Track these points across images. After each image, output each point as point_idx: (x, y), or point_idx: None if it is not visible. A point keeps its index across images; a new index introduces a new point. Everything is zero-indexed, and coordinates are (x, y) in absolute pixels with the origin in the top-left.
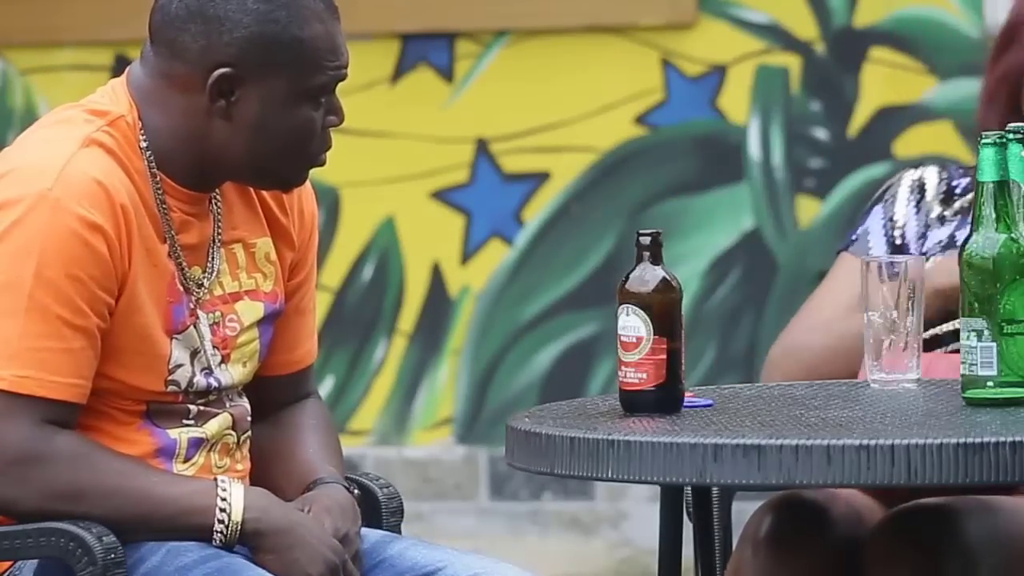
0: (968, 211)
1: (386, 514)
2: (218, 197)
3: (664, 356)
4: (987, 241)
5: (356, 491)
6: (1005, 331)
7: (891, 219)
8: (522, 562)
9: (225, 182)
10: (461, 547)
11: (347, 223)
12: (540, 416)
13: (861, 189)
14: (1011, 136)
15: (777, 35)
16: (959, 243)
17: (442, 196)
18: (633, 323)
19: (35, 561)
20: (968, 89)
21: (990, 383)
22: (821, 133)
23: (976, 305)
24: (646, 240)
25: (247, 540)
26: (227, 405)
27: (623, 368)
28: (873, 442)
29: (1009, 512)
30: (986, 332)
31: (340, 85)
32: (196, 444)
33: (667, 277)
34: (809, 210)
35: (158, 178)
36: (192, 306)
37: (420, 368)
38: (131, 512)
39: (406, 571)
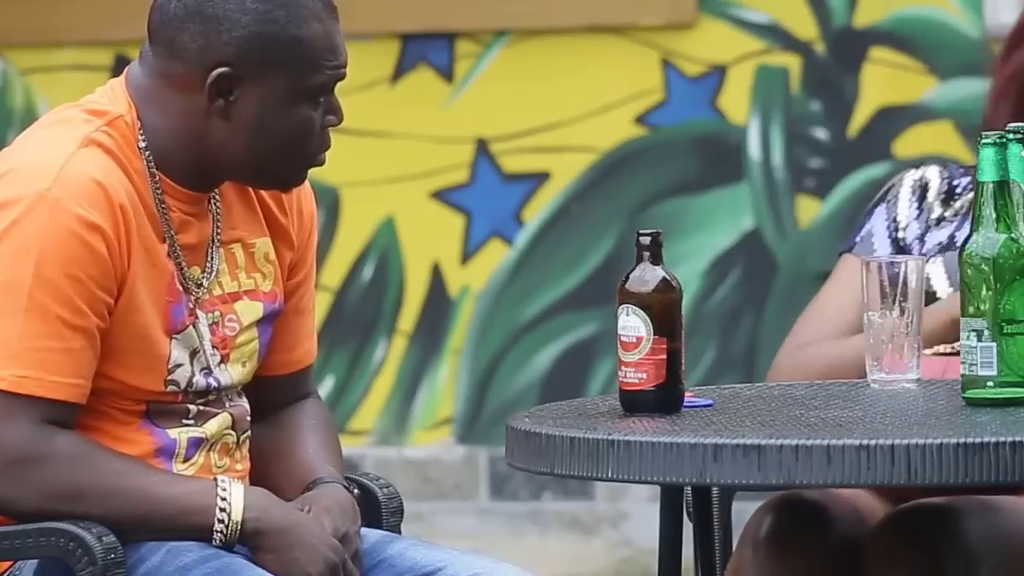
0: (967, 211)
1: (386, 514)
2: (217, 197)
3: (664, 356)
4: (987, 241)
5: (356, 491)
6: (1005, 331)
7: (895, 220)
8: (522, 562)
9: (224, 182)
10: (461, 547)
11: (347, 223)
12: (540, 416)
13: (861, 189)
14: (1011, 136)
15: (777, 35)
16: (958, 244)
17: (442, 196)
18: (633, 323)
19: (35, 561)
20: (968, 89)
21: (990, 383)
22: (821, 133)
23: (976, 305)
24: (646, 240)
25: (247, 540)
26: (227, 405)
27: (623, 368)
28: (873, 442)
29: (1009, 512)
30: (986, 332)
31: (339, 85)
32: (196, 444)
33: (667, 277)
34: (809, 210)
35: (157, 178)
36: (191, 306)
37: (420, 368)
38: (131, 512)
39: (406, 571)
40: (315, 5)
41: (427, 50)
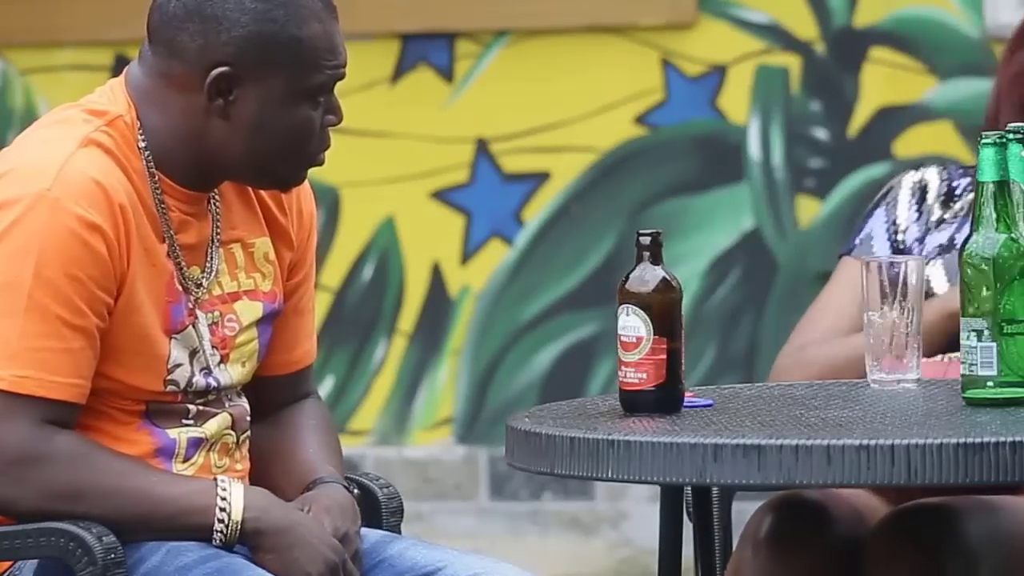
0: (967, 213)
1: (386, 514)
2: (217, 197)
3: (664, 356)
4: (987, 241)
5: (356, 491)
6: (1005, 331)
7: (894, 222)
8: (522, 562)
9: (224, 182)
10: (461, 547)
11: (347, 223)
12: (540, 416)
13: (861, 189)
14: (1011, 136)
15: (777, 35)
16: (958, 246)
17: (442, 196)
18: (633, 323)
19: (35, 561)
20: (968, 89)
21: (990, 383)
22: (821, 133)
23: (976, 305)
24: (646, 240)
25: (247, 540)
26: (226, 405)
27: (623, 368)
28: (873, 442)
29: (1009, 512)
30: (986, 332)
31: (339, 85)
32: (195, 444)
33: (667, 277)
34: (809, 210)
35: (156, 178)
36: (191, 306)
37: (420, 368)
38: (131, 512)
39: (406, 571)
40: (315, 5)
41: (427, 50)
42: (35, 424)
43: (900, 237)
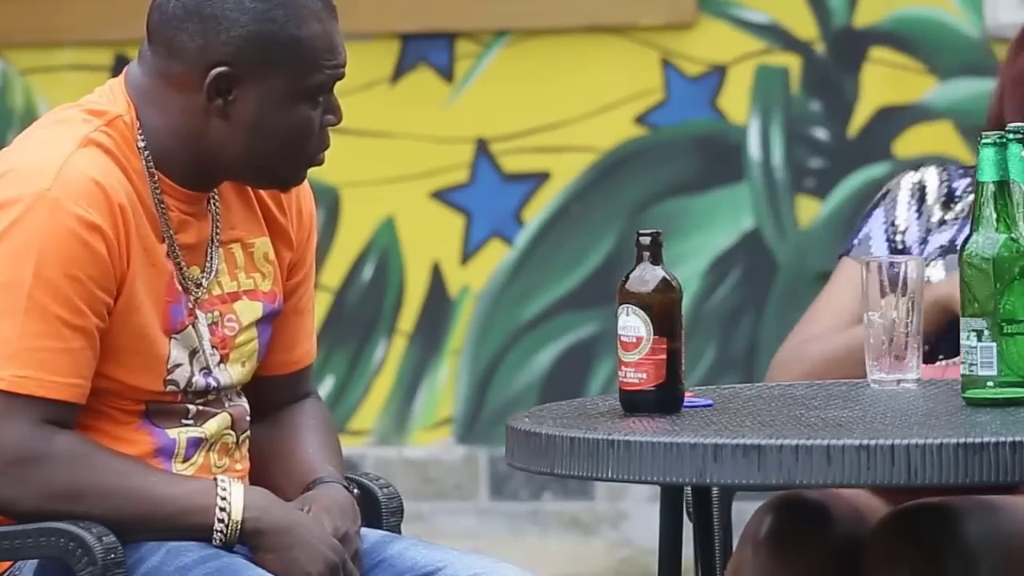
0: (968, 215)
1: (386, 514)
2: (216, 197)
3: (664, 356)
4: (987, 241)
5: (356, 491)
6: (1005, 331)
7: (892, 223)
8: (522, 562)
9: (223, 182)
10: (461, 547)
11: (347, 223)
12: (540, 416)
13: (861, 189)
14: (1011, 136)
15: (777, 35)
16: (959, 247)
17: (442, 196)
18: (633, 323)
19: (35, 561)
20: (968, 89)
21: (990, 383)
22: (821, 133)
23: (976, 305)
24: (646, 240)
25: (247, 539)
26: (226, 405)
27: (623, 368)
28: (873, 442)
29: (1009, 512)
30: (986, 332)
31: (339, 85)
32: (195, 444)
33: (667, 277)
34: (809, 210)
35: (156, 178)
36: (191, 306)
37: (420, 368)
38: (131, 512)
39: (406, 571)
40: (314, 4)
41: (427, 50)
42: (35, 424)
43: (899, 237)
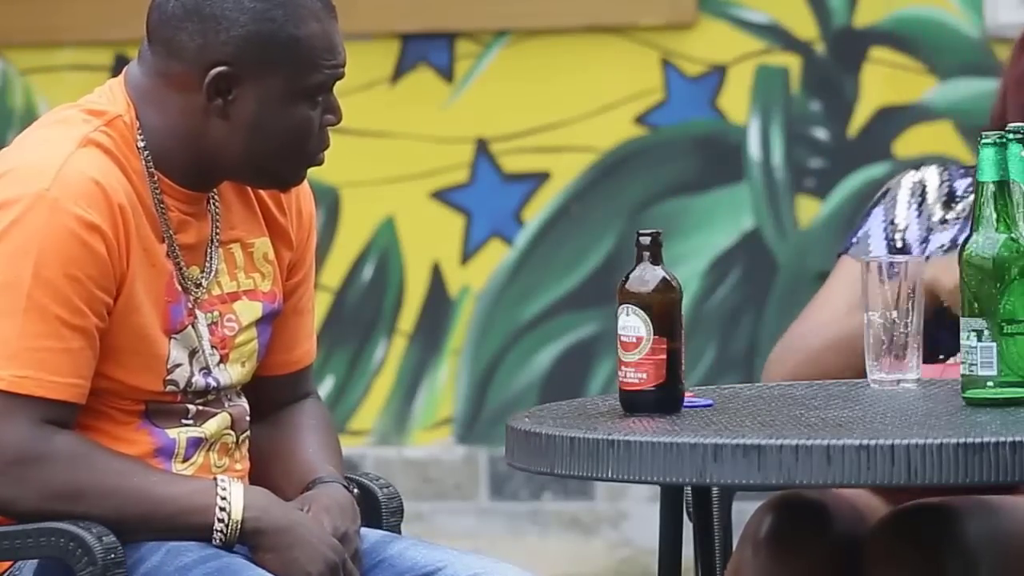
0: (969, 215)
1: (386, 514)
2: (216, 197)
3: (664, 356)
4: (987, 241)
5: (356, 491)
6: (1005, 331)
7: (892, 222)
8: (522, 562)
9: (223, 182)
10: (461, 547)
11: (347, 223)
12: (540, 416)
13: (861, 189)
14: (1011, 136)
15: (777, 35)
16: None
17: (442, 196)
18: (633, 323)
19: (35, 561)
20: (968, 89)
21: (990, 383)
22: (821, 133)
23: (976, 305)
24: (646, 240)
25: (247, 539)
26: (226, 405)
27: (623, 368)
28: (873, 442)
29: (1009, 512)
30: (986, 332)
31: (339, 84)
32: (195, 444)
33: (667, 277)
34: (809, 210)
35: (156, 178)
36: (190, 306)
37: (420, 368)
38: (131, 512)
39: (406, 571)
40: (313, 4)
41: (427, 50)
42: (34, 424)
43: (898, 236)
